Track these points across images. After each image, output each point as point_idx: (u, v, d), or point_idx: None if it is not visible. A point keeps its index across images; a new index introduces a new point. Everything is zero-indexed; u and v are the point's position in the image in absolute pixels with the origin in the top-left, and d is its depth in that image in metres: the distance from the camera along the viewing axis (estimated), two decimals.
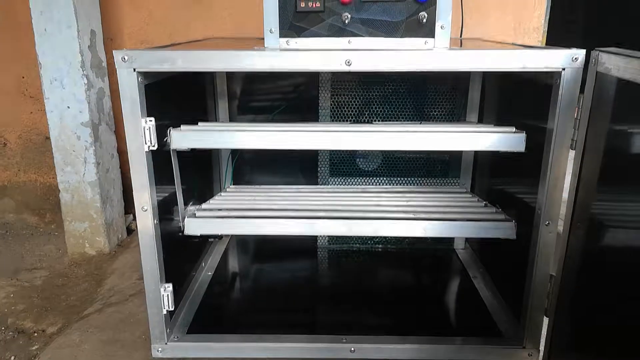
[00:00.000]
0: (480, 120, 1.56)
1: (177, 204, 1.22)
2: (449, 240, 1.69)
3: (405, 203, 1.37)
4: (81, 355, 1.23)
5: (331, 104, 1.58)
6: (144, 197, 1.04)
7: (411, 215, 1.24)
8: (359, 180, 1.64)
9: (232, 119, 1.63)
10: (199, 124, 1.25)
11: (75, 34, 1.59)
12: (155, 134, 1.02)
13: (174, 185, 1.20)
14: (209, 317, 1.29)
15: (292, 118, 1.58)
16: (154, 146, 1.02)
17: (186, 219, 1.22)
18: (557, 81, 1.00)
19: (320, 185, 1.64)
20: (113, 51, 0.94)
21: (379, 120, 1.58)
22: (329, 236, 1.69)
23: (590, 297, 1.02)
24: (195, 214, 1.27)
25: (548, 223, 1.08)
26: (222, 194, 1.52)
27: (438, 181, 1.64)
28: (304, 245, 1.68)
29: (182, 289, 1.34)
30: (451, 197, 1.46)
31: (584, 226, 1.05)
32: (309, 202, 1.39)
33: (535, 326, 1.16)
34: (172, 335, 1.19)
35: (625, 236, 0.92)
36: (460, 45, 1.31)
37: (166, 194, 1.17)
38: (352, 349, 1.18)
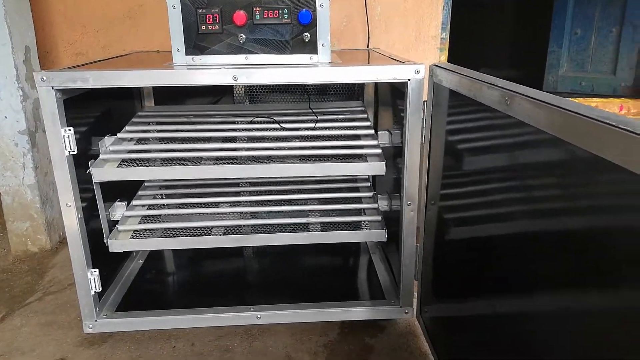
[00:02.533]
0: (376, 115, 1.81)
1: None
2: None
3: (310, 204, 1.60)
4: (21, 336, 1.39)
5: (247, 97, 1.86)
6: (68, 195, 1.21)
7: (306, 220, 1.48)
8: None
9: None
10: (118, 135, 1.41)
11: (9, 51, 1.70)
12: (74, 141, 1.19)
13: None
14: (136, 298, 1.46)
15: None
16: (73, 151, 1.19)
17: (109, 240, 1.37)
18: (406, 89, 1.25)
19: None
20: (33, 73, 1.12)
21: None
22: None
23: (444, 260, 1.28)
24: (118, 229, 1.40)
25: (409, 203, 1.33)
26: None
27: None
28: None
29: (113, 275, 1.52)
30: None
31: (436, 203, 1.32)
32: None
33: (408, 288, 1.41)
34: (101, 313, 1.37)
35: (463, 209, 1.17)
36: (343, 59, 1.54)
37: (91, 192, 1.34)
38: (258, 315, 1.40)
